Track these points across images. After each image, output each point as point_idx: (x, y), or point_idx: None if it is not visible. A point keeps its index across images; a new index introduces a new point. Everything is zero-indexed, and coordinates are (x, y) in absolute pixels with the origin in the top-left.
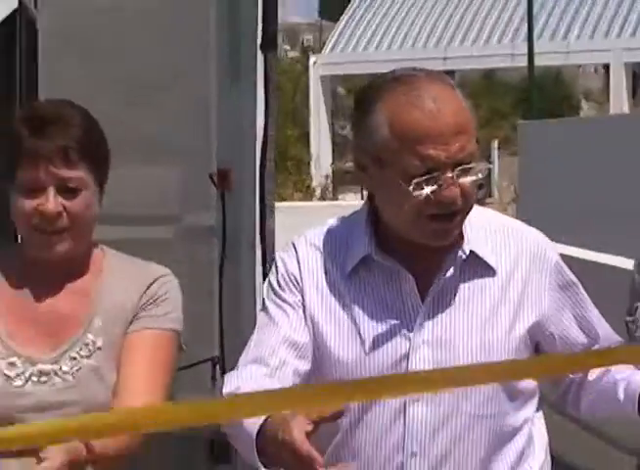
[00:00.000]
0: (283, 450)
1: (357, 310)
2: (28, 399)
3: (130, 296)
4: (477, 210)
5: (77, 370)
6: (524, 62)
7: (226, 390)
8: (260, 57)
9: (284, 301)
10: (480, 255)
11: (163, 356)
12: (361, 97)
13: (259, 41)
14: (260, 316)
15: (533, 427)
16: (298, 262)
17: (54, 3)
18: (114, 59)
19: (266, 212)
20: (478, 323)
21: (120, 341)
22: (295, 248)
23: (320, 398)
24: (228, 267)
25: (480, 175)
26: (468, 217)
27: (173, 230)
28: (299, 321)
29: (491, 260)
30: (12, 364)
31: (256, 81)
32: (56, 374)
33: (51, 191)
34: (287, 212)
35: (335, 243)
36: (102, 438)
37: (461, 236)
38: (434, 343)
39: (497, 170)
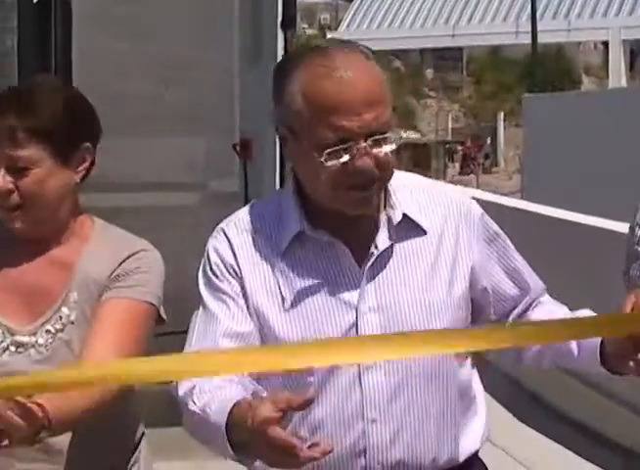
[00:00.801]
0: (255, 440)
1: (298, 288)
2: (4, 367)
3: (104, 270)
4: (397, 174)
5: (51, 343)
6: (527, 39)
7: (182, 391)
8: (281, 35)
9: (222, 292)
10: (413, 217)
11: (131, 326)
12: (280, 67)
13: (280, 20)
14: (200, 310)
15: (474, 384)
16: (232, 250)
17: None
18: (145, 38)
19: (285, 179)
20: (418, 284)
21: (91, 315)
22: (225, 235)
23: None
24: None
25: (394, 145)
26: (392, 182)
27: (199, 196)
28: (240, 310)
29: (422, 222)
30: None
31: (277, 57)
32: (32, 346)
33: (1, 171)
34: None
35: (265, 223)
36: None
37: (386, 201)
38: (379, 308)
39: (503, 141)
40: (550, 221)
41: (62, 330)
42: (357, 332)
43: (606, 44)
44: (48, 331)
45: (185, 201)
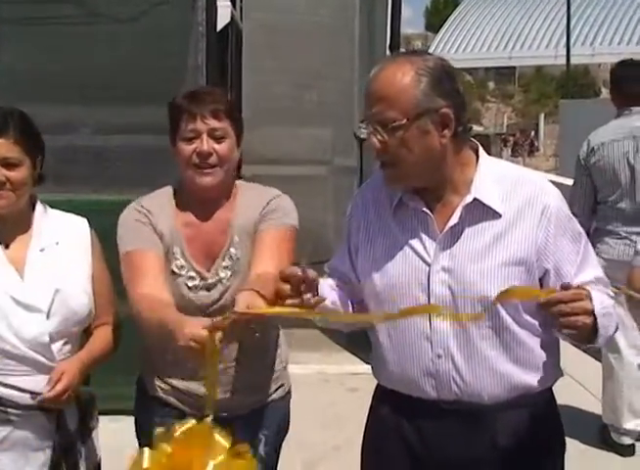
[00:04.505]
0: None
1: (394, 239)
2: (201, 301)
3: (254, 213)
4: (495, 162)
5: (230, 276)
6: (563, 61)
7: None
8: (388, 54)
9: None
10: (485, 201)
11: (285, 244)
12: None
13: (388, 44)
14: None
15: (537, 334)
16: (352, 207)
17: (253, 19)
18: (291, 56)
19: None
20: (478, 256)
21: (251, 247)
22: (356, 197)
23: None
24: None
25: (392, 138)
26: (479, 171)
27: (327, 169)
28: (346, 251)
29: (496, 206)
30: (191, 278)
31: None
32: (219, 283)
33: (204, 137)
34: None
35: (380, 189)
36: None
37: (470, 187)
38: (447, 269)
39: (543, 134)
40: None
41: (234, 264)
42: (429, 284)
43: None
44: (225, 267)
45: (317, 172)
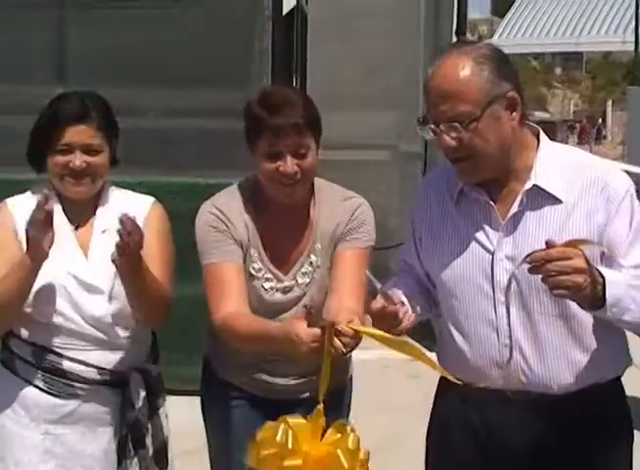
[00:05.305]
0: None
1: (458, 230)
2: (276, 304)
3: (339, 224)
4: (557, 147)
5: (308, 283)
6: (631, 47)
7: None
8: (454, 39)
9: (410, 224)
10: (545, 187)
11: (363, 267)
12: None
13: (454, 29)
14: None
15: (611, 335)
16: (414, 201)
17: (319, 4)
18: (356, 41)
19: None
20: (541, 243)
21: (330, 258)
22: (421, 188)
23: None
24: None
25: (467, 131)
26: (540, 156)
27: (393, 154)
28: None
29: (556, 192)
30: (268, 279)
31: None
32: (296, 286)
33: (288, 156)
34: None
35: (441, 181)
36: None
37: (530, 173)
38: (510, 258)
39: (610, 121)
40: None
41: (313, 272)
42: (492, 273)
43: None
44: (304, 273)
45: (383, 157)
